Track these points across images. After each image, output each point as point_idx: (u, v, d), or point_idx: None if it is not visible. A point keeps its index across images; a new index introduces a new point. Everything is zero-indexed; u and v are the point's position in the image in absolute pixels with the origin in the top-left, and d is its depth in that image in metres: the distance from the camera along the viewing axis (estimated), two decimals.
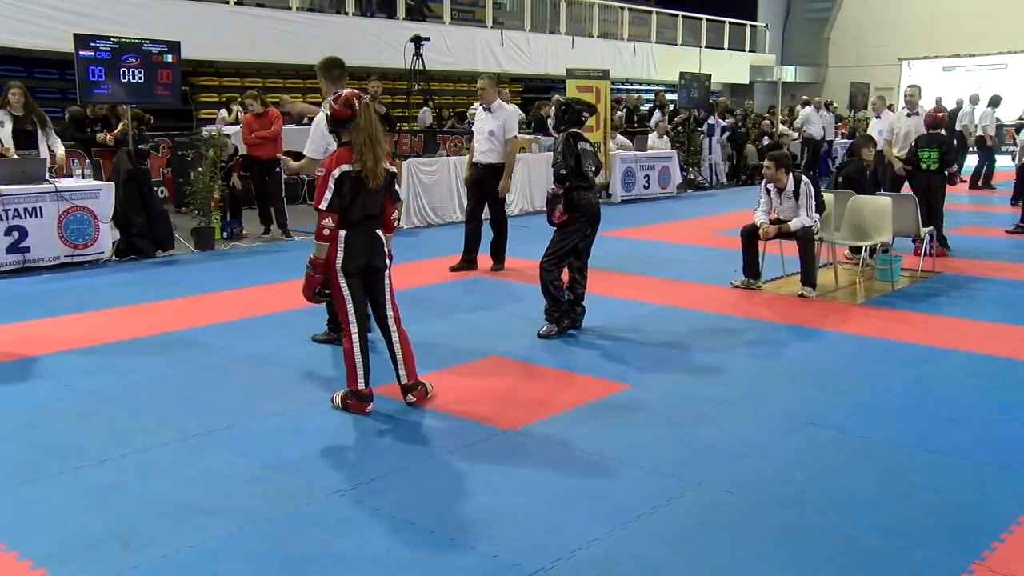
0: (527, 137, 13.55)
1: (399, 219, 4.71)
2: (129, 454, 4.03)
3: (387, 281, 4.66)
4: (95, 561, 3.10)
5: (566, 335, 6.04)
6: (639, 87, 25.28)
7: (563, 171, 5.93)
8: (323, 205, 4.34)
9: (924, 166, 9.08)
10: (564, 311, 6.06)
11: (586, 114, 6.21)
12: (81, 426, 4.41)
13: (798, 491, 3.69)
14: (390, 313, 4.68)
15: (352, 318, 4.51)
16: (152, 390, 4.94)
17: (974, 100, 17.14)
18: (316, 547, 3.21)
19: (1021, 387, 5.08)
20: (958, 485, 3.76)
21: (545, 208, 6.16)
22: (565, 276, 6.17)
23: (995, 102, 16.71)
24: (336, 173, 4.33)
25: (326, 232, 4.37)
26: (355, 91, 4.49)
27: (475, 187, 8.47)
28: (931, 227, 8.48)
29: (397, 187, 4.66)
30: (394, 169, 4.60)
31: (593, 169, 6.04)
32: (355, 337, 4.51)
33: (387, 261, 4.62)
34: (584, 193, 6.01)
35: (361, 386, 4.55)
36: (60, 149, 9.01)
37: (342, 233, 4.42)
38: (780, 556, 3.16)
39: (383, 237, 4.59)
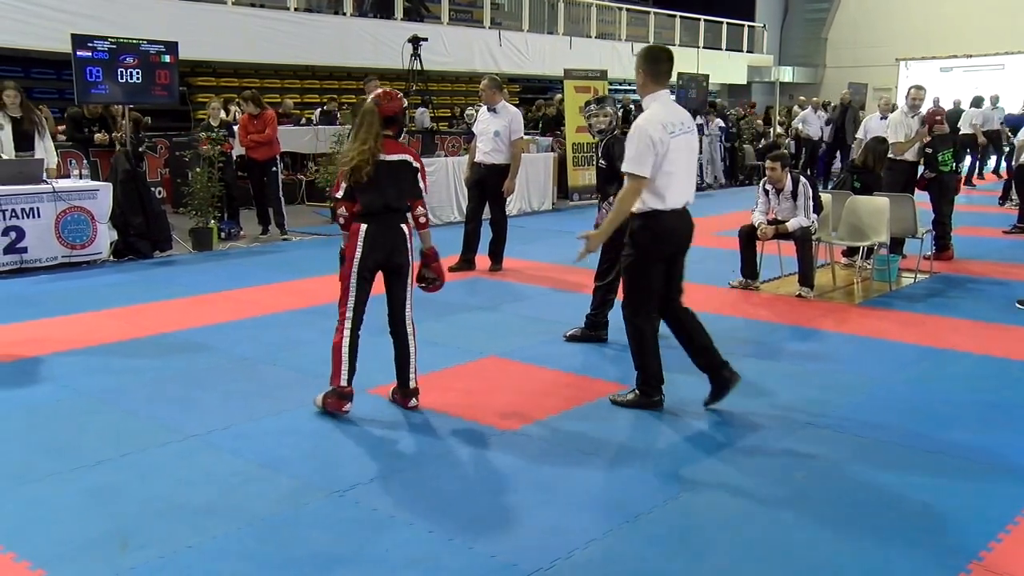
0: (527, 137, 13.57)
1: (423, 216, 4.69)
2: (127, 454, 4.03)
3: (409, 280, 4.58)
4: (94, 562, 3.10)
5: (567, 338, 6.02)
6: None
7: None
8: (338, 194, 4.47)
9: (946, 168, 8.89)
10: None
11: None
12: (79, 427, 4.40)
13: (797, 491, 3.69)
14: (408, 314, 4.60)
15: (349, 314, 4.48)
16: (150, 391, 4.93)
17: (994, 100, 18.36)
18: (314, 547, 3.21)
19: (1018, 387, 5.09)
20: (956, 485, 3.76)
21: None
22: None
23: (995, 101, 18.37)
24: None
25: (341, 221, 4.50)
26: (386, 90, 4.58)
27: (476, 187, 8.46)
28: (929, 228, 8.46)
29: (422, 182, 4.55)
30: (414, 162, 4.51)
31: None
32: (347, 332, 4.48)
33: (409, 257, 4.54)
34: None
35: (343, 383, 4.49)
36: (53, 160, 8.83)
37: (363, 227, 4.43)
38: (778, 556, 3.16)
39: (407, 233, 4.53)
